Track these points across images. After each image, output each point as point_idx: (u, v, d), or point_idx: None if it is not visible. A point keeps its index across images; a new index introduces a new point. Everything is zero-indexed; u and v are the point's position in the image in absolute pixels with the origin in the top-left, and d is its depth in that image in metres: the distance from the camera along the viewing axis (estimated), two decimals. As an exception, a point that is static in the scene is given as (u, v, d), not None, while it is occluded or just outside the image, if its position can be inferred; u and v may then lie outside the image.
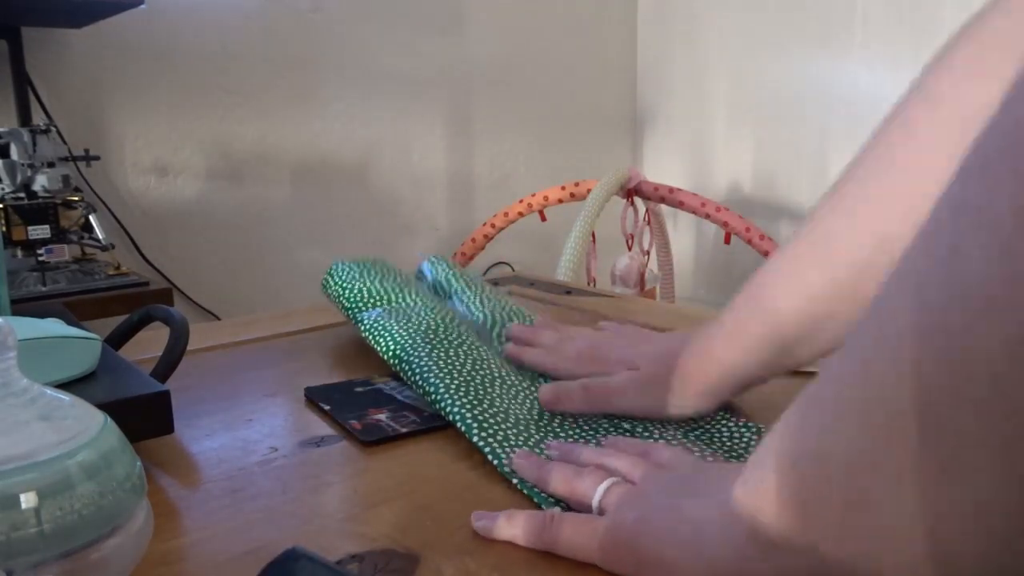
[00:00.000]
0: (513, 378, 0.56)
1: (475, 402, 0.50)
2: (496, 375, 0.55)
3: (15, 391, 0.30)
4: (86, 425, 0.31)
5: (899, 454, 0.20)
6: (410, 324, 0.60)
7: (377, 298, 0.66)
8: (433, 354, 0.56)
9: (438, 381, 0.53)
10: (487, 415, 0.49)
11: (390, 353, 0.58)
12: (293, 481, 0.45)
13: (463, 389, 0.52)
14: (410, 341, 0.57)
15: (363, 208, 1.98)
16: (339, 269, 0.71)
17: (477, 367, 0.56)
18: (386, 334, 0.59)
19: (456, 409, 0.50)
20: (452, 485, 0.44)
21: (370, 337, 0.61)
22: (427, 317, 0.61)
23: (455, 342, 0.58)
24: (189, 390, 0.58)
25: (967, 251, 0.18)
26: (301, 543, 0.38)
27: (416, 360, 0.56)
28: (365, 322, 0.62)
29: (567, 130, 2.32)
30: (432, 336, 0.58)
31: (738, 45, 2.19)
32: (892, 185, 0.40)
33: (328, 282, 0.70)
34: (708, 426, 0.50)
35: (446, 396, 0.51)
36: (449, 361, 0.55)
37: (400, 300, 0.66)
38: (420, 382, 0.54)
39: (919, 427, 0.19)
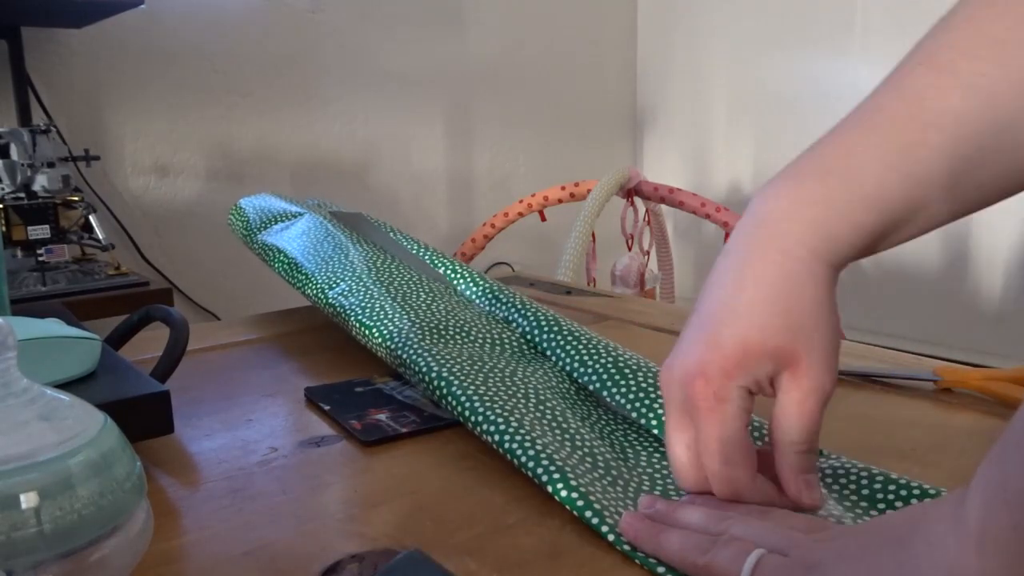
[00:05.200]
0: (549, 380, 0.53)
1: (552, 444, 0.43)
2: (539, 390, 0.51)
3: (15, 391, 0.30)
4: (86, 425, 0.31)
5: None
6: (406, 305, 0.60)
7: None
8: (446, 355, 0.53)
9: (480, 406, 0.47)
10: (570, 462, 0.42)
11: (383, 342, 0.57)
12: (293, 481, 0.45)
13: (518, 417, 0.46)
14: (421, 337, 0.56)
15: (363, 208, 1.97)
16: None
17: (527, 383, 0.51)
18: (383, 317, 0.59)
19: (532, 452, 0.42)
20: (452, 485, 0.44)
21: (358, 322, 0.60)
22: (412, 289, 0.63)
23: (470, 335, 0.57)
24: (189, 390, 0.58)
25: None
26: (301, 543, 0.38)
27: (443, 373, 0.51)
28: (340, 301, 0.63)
29: (567, 130, 2.32)
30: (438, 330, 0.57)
31: (738, 45, 2.19)
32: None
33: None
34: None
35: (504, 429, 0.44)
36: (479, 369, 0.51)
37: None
38: (459, 406, 0.48)
39: None
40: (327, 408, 0.55)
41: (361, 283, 0.64)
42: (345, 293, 0.63)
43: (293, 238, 0.75)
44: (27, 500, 0.27)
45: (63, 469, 0.28)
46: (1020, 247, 1.75)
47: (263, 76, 1.79)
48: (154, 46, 1.65)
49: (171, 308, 0.57)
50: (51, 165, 1.29)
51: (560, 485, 0.39)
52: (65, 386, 0.43)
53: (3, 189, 1.25)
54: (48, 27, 1.52)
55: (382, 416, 0.53)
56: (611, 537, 0.37)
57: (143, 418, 0.45)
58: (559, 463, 0.41)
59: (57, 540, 0.28)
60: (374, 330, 0.58)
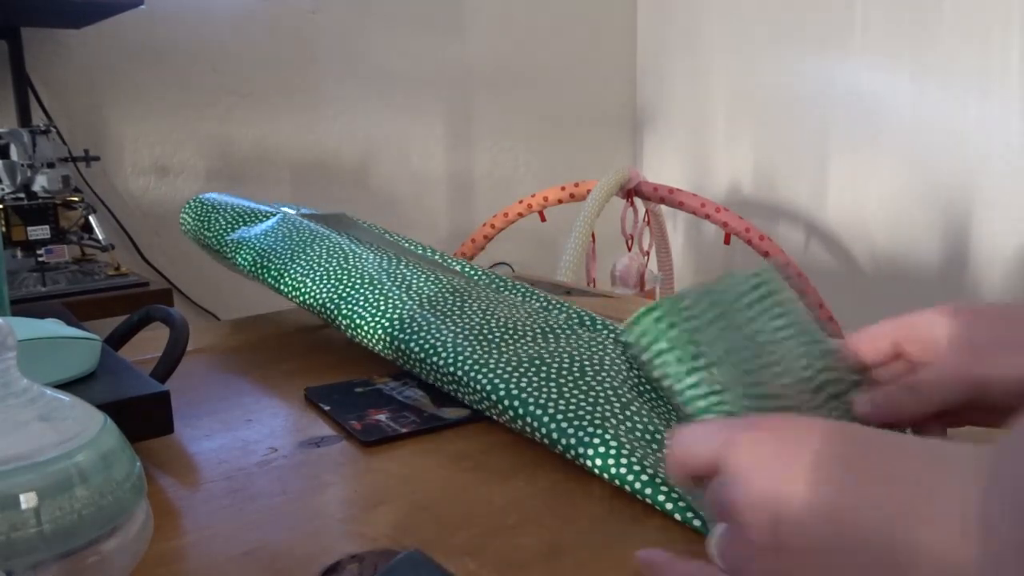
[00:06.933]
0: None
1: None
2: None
3: (15, 391, 0.30)
4: (86, 425, 0.31)
5: None
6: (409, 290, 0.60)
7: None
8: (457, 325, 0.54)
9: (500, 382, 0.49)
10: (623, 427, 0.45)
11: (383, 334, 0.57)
12: (293, 481, 0.45)
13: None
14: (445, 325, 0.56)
15: (363, 208, 1.98)
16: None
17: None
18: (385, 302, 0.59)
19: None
20: (452, 485, 0.44)
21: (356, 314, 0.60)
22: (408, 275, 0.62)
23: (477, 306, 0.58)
24: (189, 390, 0.58)
25: None
26: (301, 543, 0.38)
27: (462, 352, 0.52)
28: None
29: (567, 130, 2.32)
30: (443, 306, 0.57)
31: (738, 45, 2.19)
32: None
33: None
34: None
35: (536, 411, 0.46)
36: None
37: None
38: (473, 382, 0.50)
39: None
40: (327, 408, 0.55)
41: (401, 300, 0.60)
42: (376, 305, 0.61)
43: (263, 236, 0.70)
44: (27, 500, 0.27)
45: (63, 469, 0.28)
46: (1020, 247, 1.75)
47: (263, 76, 1.79)
48: (154, 46, 1.65)
49: (171, 308, 0.57)
50: (51, 165, 1.29)
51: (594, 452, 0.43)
52: (65, 386, 0.43)
53: (3, 189, 1.25)
54: (48, 27, 1.52)
55: (382, 416, 0.53)
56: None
57: (143, 418, 0.45)
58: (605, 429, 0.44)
59: (57, 540, 0.28)
60: (422, 345, 0.56)
